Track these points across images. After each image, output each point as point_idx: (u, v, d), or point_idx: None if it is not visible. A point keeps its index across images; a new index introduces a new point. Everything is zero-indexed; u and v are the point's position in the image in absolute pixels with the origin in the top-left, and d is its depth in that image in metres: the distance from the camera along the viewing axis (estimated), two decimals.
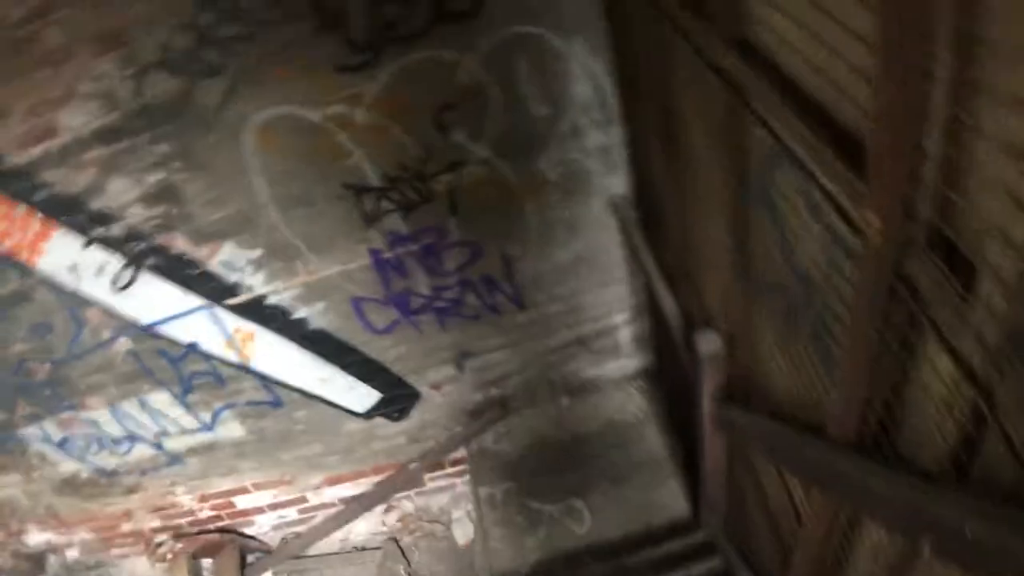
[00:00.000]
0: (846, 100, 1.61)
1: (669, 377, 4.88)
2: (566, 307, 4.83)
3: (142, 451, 5.60)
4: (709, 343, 3.07)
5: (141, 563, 6.58)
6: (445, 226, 4.33)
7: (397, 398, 5.22)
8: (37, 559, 6.79)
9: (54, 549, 6.60)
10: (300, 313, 4.65)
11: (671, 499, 4.53)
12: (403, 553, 5.97)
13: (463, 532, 5.92)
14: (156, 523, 6.28)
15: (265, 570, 6.21)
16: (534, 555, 4.56)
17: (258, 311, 4.64)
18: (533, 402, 5.29)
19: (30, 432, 5.44)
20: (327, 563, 6.18)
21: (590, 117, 4.13)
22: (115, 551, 6.63)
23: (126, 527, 6.34)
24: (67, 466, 5.72)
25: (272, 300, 4.58)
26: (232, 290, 4.54)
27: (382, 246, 4.37)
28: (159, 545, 6.26)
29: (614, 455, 4.90)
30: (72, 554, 6.66)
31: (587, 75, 4.01)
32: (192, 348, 4.85)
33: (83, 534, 6.42)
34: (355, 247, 4.37)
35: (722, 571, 3.93)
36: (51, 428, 5.40)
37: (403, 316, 4.72)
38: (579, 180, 4.31)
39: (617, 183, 4.36)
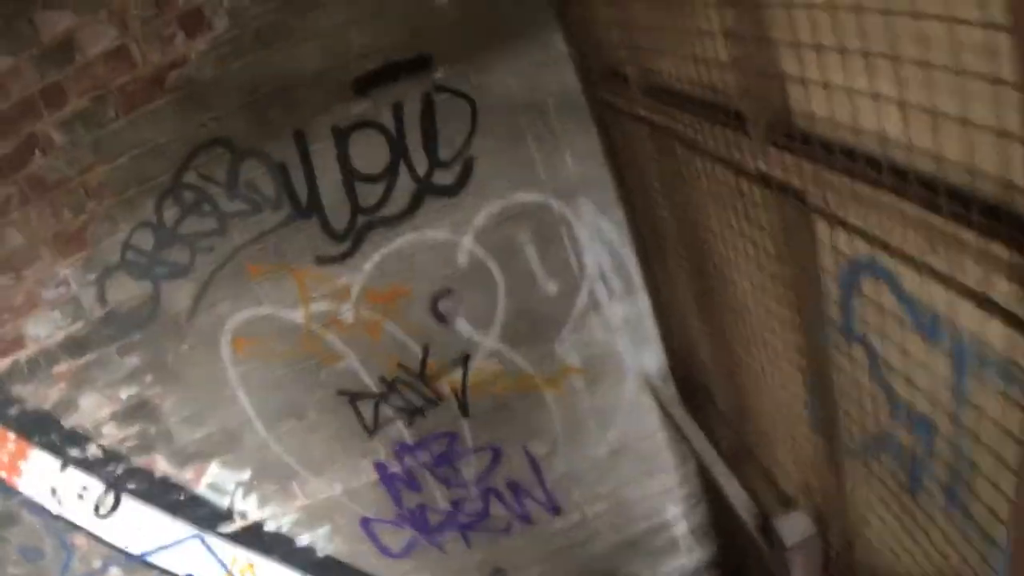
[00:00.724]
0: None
1: (748, 567, 4.09)
2: (609, 505, 4.19)
3: None
4: (795, 529, 2.42)
5: None
6: (457, 430, 3.77)
7: None
8: None
9: None
10: (303, 540, 4.04)
11: None
12: None
13: None
14: None
15: None
16: None
17: (256, 539, 4.06)
18: None
19: None
20: None
21: (609, 287, 3.61)
22: None
23: None
24: None
25: (270, 527, 3.99)
26: (224, 516, 3.94)
27: (388, 459, 3.80)
28: None
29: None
30: None
31: (600, 240, 3.53)
32: None
33: None
34: (357, 462, 3.79)
35: None
36: None
37: (422, 536, 4.09)
38: (605, 361, 3.75)
39: (650, 358, 3.79)
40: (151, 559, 4.14)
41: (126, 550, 4.11)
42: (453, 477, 3.86)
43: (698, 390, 3.59)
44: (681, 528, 4.37)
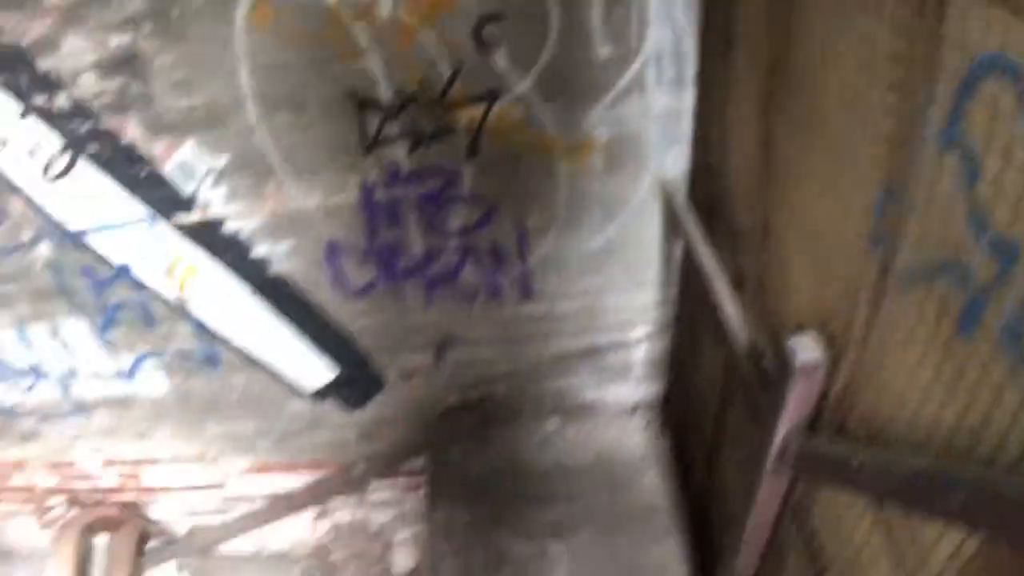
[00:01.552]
0: None
1: (680, 412, 4.04)
2: (581, 307, 4.02)
3: (46, 391, 4.75)
4: (808, 350, 2.23)
5: (31, 525, 5.71)
6: (458, 171, 3.51)
7: (357, 381, 4.38)
8: None
9: None
10: (260, 250, 3.81)
11: (669, 560, 3.72)
12: (328, 572, 5.06)
13: (404, 559, 5.07)
14: (52, 482, 5.45)
15: (166, 560, 5.30)
16: None
17: (209, 238, 3.80)
18: (517, 416, 4.43)
19: None
20: (238, 567, 5.34)
21: (661, 71, 3.33)
22: (1, 507, 5.70)
23: (17, 480, 5.52)
24: None
25: (229, 227, 3.74)
26: (184, 205, 3.68)
27: (377, 182, 3.54)
28: (49, 509, 5.33)
29: (605, 497, 4.08)
30: None
31: (668, 17, 3.22)
32: (123, 272, 4.01)
33: None
34: (344, 176, 3.54)
35: None
36: None
37: (385, 278, 3.88)
38: (631, 148, 3.49)
39: (675, 162, 3.56)
40: (88, 239, 3.86)
41: (63, 225, 3.80)
42: (437, 221, 3.64)
43: (715, 208, 3.39)
44: (640, 354, 4.26)
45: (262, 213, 3.67)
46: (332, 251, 3.78)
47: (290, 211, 3.64)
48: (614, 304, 4.00)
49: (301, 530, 5.30)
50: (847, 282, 2.11)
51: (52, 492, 5.51)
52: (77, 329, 4.32)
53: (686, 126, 3.46)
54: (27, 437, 5.09)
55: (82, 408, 4.80)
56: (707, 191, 3.46)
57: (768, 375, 2.51)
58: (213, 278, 3.93)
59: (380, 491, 5.03)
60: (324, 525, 5.24)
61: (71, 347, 4.44)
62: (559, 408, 4.45)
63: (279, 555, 5.33)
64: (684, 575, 3.62)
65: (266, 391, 4.46)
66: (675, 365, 4.23)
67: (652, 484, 4.06)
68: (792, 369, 2.21)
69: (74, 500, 5.45)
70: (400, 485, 4.97)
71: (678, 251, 3.78)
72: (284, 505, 5.07)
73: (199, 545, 5.44)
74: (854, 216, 2.02)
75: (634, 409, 4.42)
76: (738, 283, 3.02)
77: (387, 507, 5.12)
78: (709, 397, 3.67)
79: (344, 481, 4.86)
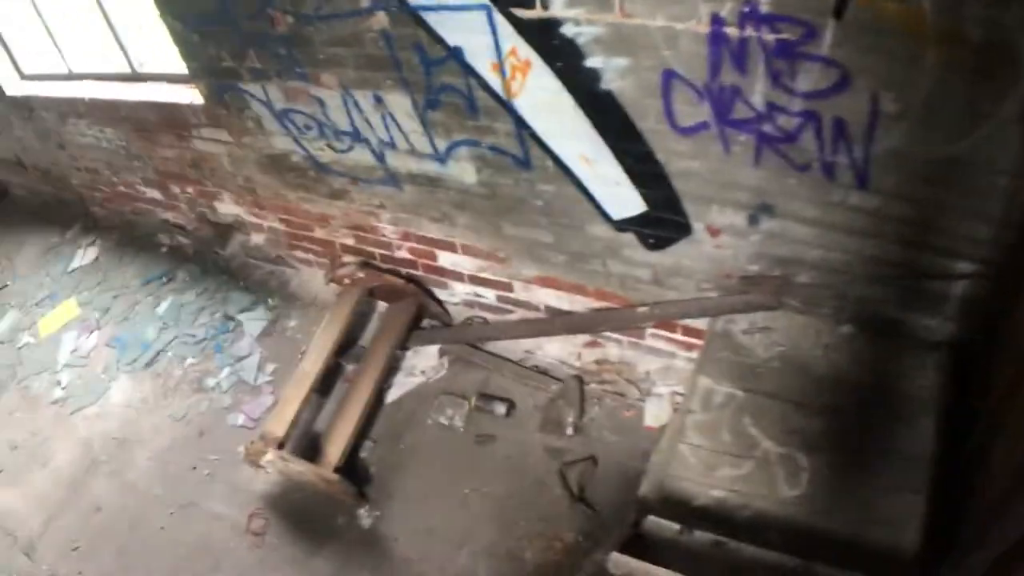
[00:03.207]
0: None
1: (981, 366, 3.57)
2: (914, 217, 3.47)
3: (361, 155, 4.87)
4: None
5: (318, 277, 6.05)
6: (820, 27, 3.00)
7: (663, 223, 4.08)
8: (222, 231, 6.55)
9: (241, 227, 6.26)
10: (594, 62, 3.52)
11: (903, 519, 3.29)
12: (582, 398, 4.99)
13: (656, 413, 4.86)
14: (349, 241, 5.77)
15: (433, 342, 5.47)
16: (721, 492, 3.54)
17: (545, 37, 3.55)
18: (813, 310, 4.04)
19: (253, 90, 4.90)
20: (499, 368, 5.37)
21: None
22: (298, 253, 6.34)
23: (318, 233, 5.90)
24: (280, 142, 5.21)
25: (567, 30, 3.46)
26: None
27: (729, 16, 3.11)
28: (342, 265, 5.58)
29: (870, 427, 3.65)
30: (257, 239, 6.51)
31: None
32: (454, 55, 3.88)
33: (274, 223, 6.14)
34: (695, 2, 3.14)
35: None
36: (275, 94, 4.81)
37: (716, 122, 3.50)
38: (1007, 57, 2.81)
39: None
40: (425, 16, 3.77)
41: None
42: (784, 77, 3.18)
43: None
44: (958, 289, 3.65)
45: (603, 23, 3.36)
46: (668, 80, 3.43)
47: (633, 27, 3.31)
48: (947, 226, 3.43)
49: (568, 352, 5.24)
50: None
51: (348, 251, 5.74)
52: (400, 104, 4.32)
53: None
54: (336, 195, 5.32)
55: (393, 179, 4.89)
56: None
57: None
58: (541, 80, 3.71)
59: (656, 339, 4.81)
60: (592, 354, 5.13)
61: (392, 119, 4.46)
62: (857, 317, 3.99)
63: (542, 369, 5.33)
64: (911, 544, 3.18)
65: (571, 207, 4.27)
66: (990, 314, 3.60)
67: (924, 431, 3.57)
68: None
69: (366, 264, 5.65)
70: (677, 339, 4.74)
71: None
72: (561, 324, 4.99)
73: (468, 336, 5.53)
74: None
75: (937, 345, 3.85)
76: None
77: (658, 356, 4.91)
78: (1015, 357, 3.07)
79: (624, 318, 4.67)
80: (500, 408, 5.16)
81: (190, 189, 6.38)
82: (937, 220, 3.43)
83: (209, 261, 6.93)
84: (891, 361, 3.89)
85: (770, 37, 3.09)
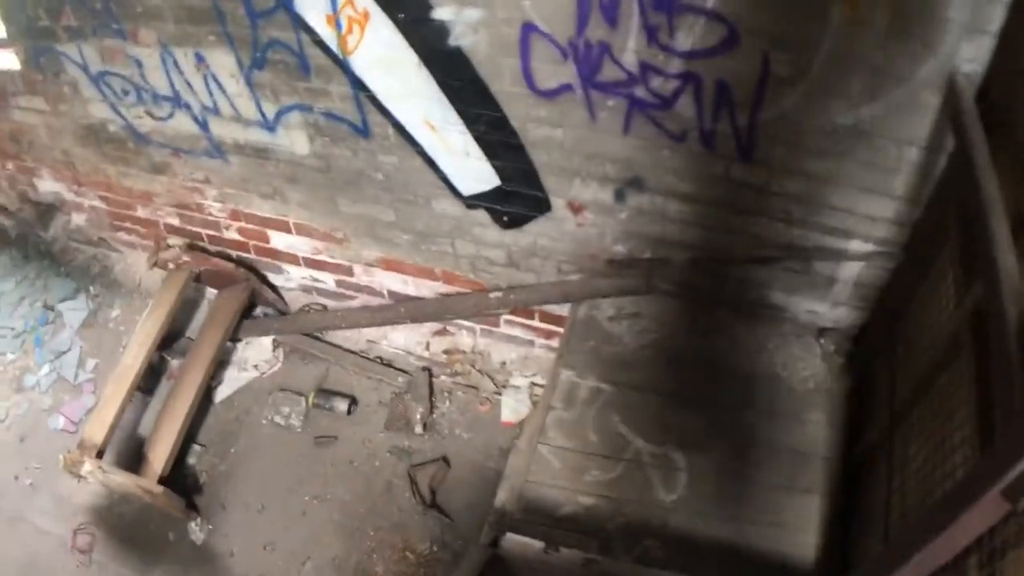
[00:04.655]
0: None
1: (876, 356, 3.37)
2: (803, 193, 3.20)
3: (183, 123, 4.35)
4: None
5: (142, 261, 5.64)
6: None
7: (519, 198, 3.74)
8: (43, 212, 5.92)
9: (62, 206, 5.69)
10: (443, 13, 3.10)
11: (797, 521, 3.07)
12: (431, 392, 4.62)
13: (514, 407, 4.58)
14: (174, 221, 5.22)
15: (267, 333, 4.98)
16: (590, 498, 3.22)
17: None
18: (687, 294, 3.76)
19: (68, 51, 4.30)
20: (339, 360, 4.95)
21: None
22: (122, 235, 5.77)
23: (141, 212, 5.32)
24: (97, 109, 4.59)
25: None
26: None
27: None
28: (166, 248, 5.04)
29: (754, 421, 3.39)
30: (78, 220, 5.85)
31: None
32: (284, 5, 3.40)
33: (95, 201, 5.51)
34: None
35: None
36: (91, 55, 4.23)
37: (582, 84, 3.13)
38: (923, 19, 2.56)
39: (972, 54, 2.58)
40: None
41: None
42: (662, 32, 2.83)
43: (1008, 126, 2.49)
44: (850, 272, 3.45)
45: None
46: (527, 35, 3.04)
47: None
48: (842, 203, 3.18)
49: (415, 342, 4.91)
50: None
51: (173, 232, 5.25)
52: (224, 63, 3.86)
53: (998, 15, 2.49)
54: (158, 169, 4.79)
55: (218, 150, 4.41)
56: (1004, 102, 2.55)
57: None
58: (381, 34, 3.30)
59: (512, 326, 4.52)
60: (442, 343, 4.78)
61: (215, 81, 3.99)
62: (738, 301, 3.74)
63: (386, 361, 4.99)
64: (808, 560, 2.95)
65: (415, 181, 3.89)
66: (887, 299, 3.41)
67: (814, 425, 3.36)
68: None
69: (193, 246, 5.16)
70: (536, 327, 4.42)
71: (941, 164, 2.89)
72: (407, 311, 4.62)
73: (305, 326, 5.08)
74: None
75: (822, 332, 3.65)
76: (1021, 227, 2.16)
77: (515, 345, 4.62)
78: (922, 353, 2.84)
79: (476, 304, 4.31)
80: (341, 405, 4.79)
81: (10, 165, 5.67)
82: (830, 197, 3.17)
83: (31, 245, 6.26)
84: (776, 350, 3.65)
85: None
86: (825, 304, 3.61)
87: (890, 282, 3.38)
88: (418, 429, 4.58)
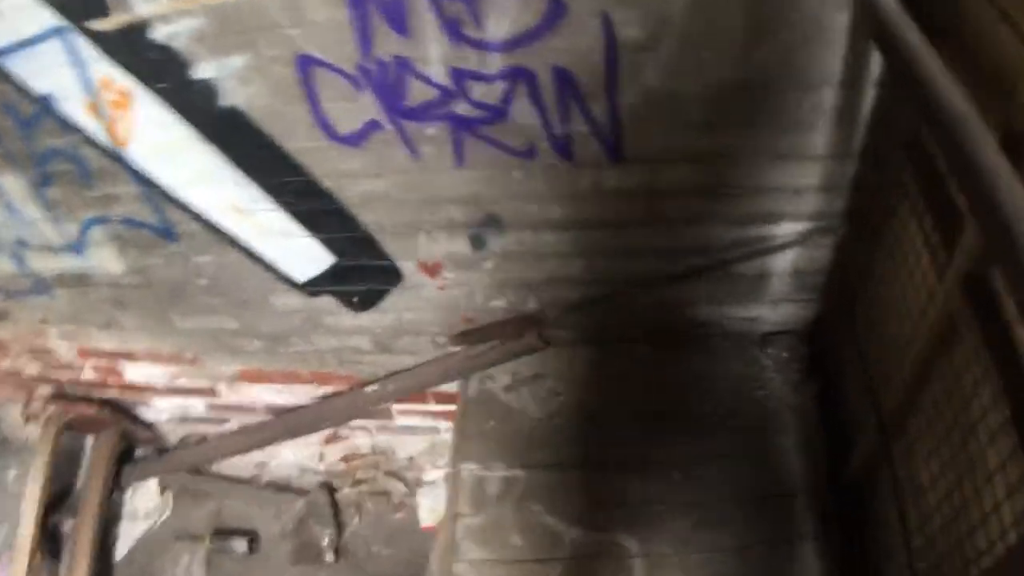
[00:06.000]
0: None
1: (841, 355, 2.86)
2: (701, 180, 2.67)
3: (2, 263, 3.81)
4: None
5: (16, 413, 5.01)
6: None
7: (362, 272, 3.23)
8: None
9: None
10: (204, 70, 2.57)
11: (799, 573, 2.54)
12: (336, 511, 4.04)
13: (431, 508, 4.06)
14: (34, 370, 4.70)
15: (150, 475, 4.42)
16: None
17: (137, 54, 2.58)
18: (593, 338, 3.27)
19: None
20: (229, 492, 4.36)
21: None
22: None
23: (4, 364, 4.77)
24: None
25: (159, 35, 2.50)
26: (97, 3, 2.46)
27: None
28: (31, 400, 4.54)
29: (711, 471, 2.89)
30: None
31: None
32: (46, 106, 2.87)
33: None
34: None
35: None
36: None
37: (388, 117, 2.59)
38: None
39: None
40: (4, 63, 2.76)
41: None
42: (467, 27, 2.29)
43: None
44: (785, 262, 2.97)
45: (198, 10, 2.42)
46: (307, 71, 2.51)
47: (237, 5, 2.38)
48: (752, 181, 2.65)
49: (308, 456, 4.44)
50: None
51: (37, 381, 4.76)
52: (15, 186, 3.33)
53: None
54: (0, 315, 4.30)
55: (42, 285, 3.90)
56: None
57: None
58: (150, 114, 2.77)
59: (408, 416, 4.06)
60: (337, 451, 4.28)
61: (13, 209, 3.45)
62: (654, 331, 3.23)
63: (281, 483, 4.51)
64: None
65: (242, 277, 3.37)
66: (837, 282, 2.93)
67: (784, 454, 2.85)
68: None
69: (59, 393, 4.70)
70: (433, 411, 3.96)
71: (868, 102, 2.37)
72: (284, 426, 4.09)
73: (186, 462, 4.57)
74: None
75: (767, 340, 3.12)
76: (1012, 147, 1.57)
77: (417, 435, 4.14)
78: (905, 343, 2.26)
79: (354, 403, 3.81)
80: (240, 545, 4.34)
81: None
82: (736, 177, 2.66)
83: None
84: (718, 376, 3.17)
85: None
86: (763, 306, 3.15)
87: (837, 261, 2.91)
88: (329, 557, 4.09)
